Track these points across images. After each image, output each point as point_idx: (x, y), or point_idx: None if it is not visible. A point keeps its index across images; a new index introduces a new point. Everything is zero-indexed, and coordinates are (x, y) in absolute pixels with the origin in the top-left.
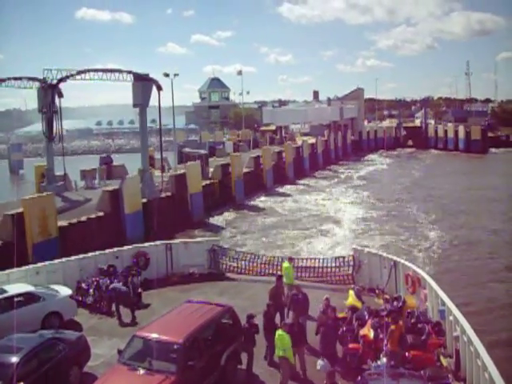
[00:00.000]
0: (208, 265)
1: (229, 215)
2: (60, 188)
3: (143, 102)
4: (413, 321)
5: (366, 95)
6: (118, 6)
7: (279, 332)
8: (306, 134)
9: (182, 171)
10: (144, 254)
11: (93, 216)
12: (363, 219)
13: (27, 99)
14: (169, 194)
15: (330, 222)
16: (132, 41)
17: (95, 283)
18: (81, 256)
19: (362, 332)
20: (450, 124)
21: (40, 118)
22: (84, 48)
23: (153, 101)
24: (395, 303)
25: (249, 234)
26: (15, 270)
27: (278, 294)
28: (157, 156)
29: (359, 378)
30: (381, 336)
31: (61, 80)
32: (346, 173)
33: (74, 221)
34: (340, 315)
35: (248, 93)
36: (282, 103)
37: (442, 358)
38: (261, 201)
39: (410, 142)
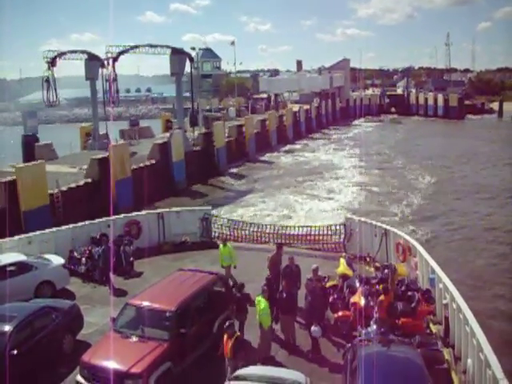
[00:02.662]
0: (200, 233)
1: (245, 167)
2: (104, 144)
3: (179, 71)
4: (403, 288)
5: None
6: None
7: (257, 298)
8: (295, 102)
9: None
10: (136, 223)
11: (148, 163)
12: (356, 167)
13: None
14: (199, 148)
15: (328, 170)
16: (109, 9)
17: (87, 252)
18: (73, 225)
19: (353, 299)
20: (430, 93)
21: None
22: (58, 17)
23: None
24: (386, 271)
25: (262, 180)
26: (7, 239)
27: (278, 261)
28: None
29: (349, 344)
30: (371, 303)
31: (120, 53)
32: (337, 135)
33: (136, 166)
34: (331, 283)
35: (241, 63)
36: (275, 73)
37: (431, 324)
38: (269, 156)
39: (393, 109)
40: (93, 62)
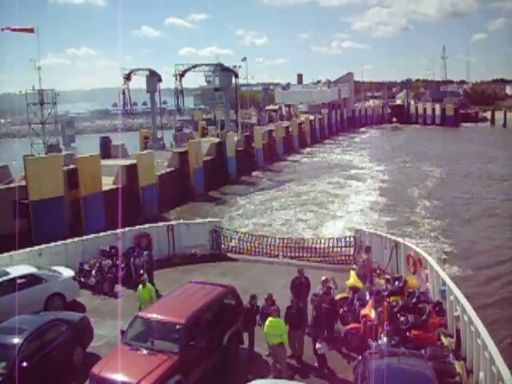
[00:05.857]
0: (210, 246)
1: (277, 164)
2: (161, 146)
3: (227, 85)
4: (414, 301)
5: None
6: None
7: (271, 319)
8: (304, 112)
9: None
10: (146, 235)
11: (208, 158)
12: (365, 162)
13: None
14: (241, 148)
15: (343, 166)
16: (106, 24)
17: (97, 264)
18: (83, 238)
19: (363, 312)
20: (428, 103)
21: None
22: (58, 33)
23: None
24: (396, 283)
25: (293, 174)
26: (18, 251)
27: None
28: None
29: (360, 357)
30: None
31: (185, 71)
32: (346, 140)
33: (203, 159)
34: (341, 295)
35: (253, 77)
36: (286, 87)
37: (442, 337)
38: (294, 156)
39: (395, 119)
40: (153, 77)
